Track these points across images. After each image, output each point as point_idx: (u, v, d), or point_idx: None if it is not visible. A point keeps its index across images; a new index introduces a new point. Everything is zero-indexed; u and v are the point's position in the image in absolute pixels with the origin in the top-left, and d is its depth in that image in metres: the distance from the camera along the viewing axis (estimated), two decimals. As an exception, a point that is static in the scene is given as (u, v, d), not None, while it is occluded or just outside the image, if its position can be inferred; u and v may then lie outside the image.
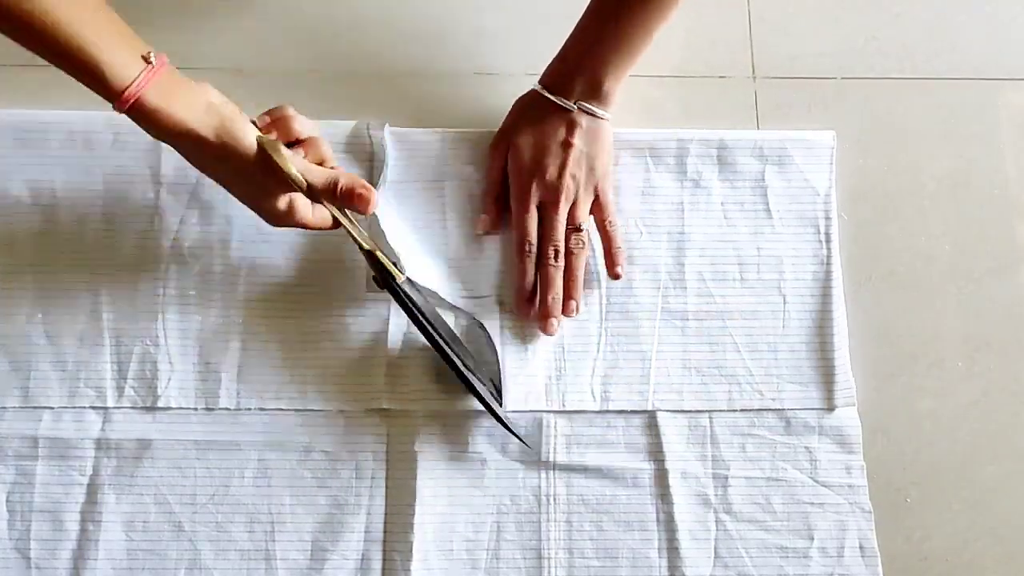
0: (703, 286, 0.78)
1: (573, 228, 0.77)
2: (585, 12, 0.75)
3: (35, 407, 0.73)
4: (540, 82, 0.77)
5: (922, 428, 0.77)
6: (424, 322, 0.71)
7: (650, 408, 0.76)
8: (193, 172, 0.77)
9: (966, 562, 0.75)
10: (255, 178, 0.67)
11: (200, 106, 0.65)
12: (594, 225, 0.78)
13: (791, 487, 0.75)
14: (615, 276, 0.78)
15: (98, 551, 0.70)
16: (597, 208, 0.78)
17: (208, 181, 0.78)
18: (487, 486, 0.73)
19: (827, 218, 0.81)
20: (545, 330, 0.76)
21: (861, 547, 0.74)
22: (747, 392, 0.76)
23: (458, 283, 0.78)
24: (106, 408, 0.73)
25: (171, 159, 0.78)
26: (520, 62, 0.83)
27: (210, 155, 0.66)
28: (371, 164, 0.80)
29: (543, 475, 0.74)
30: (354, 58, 0.83)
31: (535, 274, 0.76)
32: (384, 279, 0.71)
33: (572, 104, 0.76)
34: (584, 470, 0.74)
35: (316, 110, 0.80)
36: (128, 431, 0.73)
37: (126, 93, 0.61)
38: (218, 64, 0.82)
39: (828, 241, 0.80)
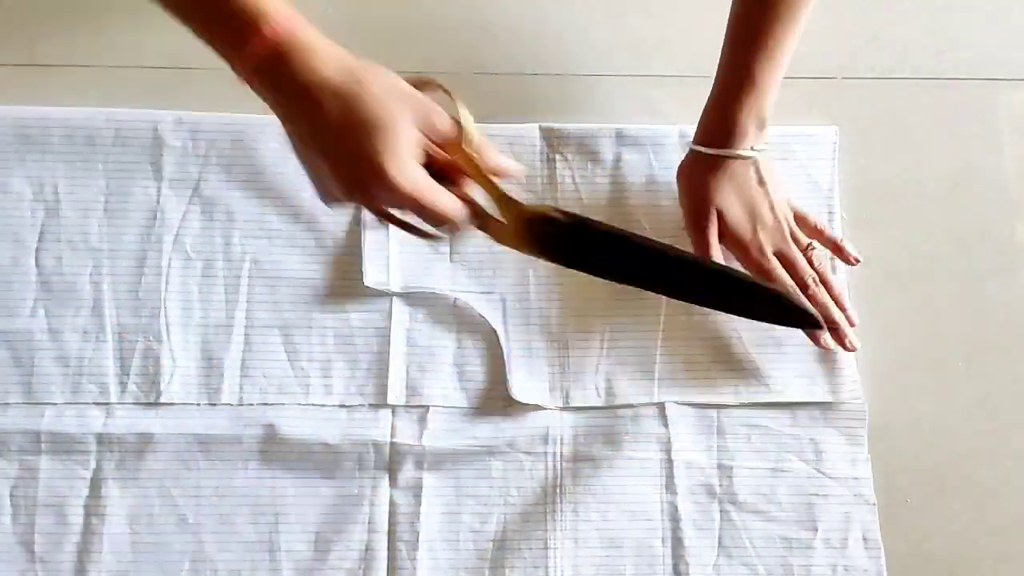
0: None
1: (806, 250, 0.77)
2: (724, 55, 0.73)
3: (38, 403, 0.73)
4: (701, 143, 0.76)
5: (922, 428, 0.77)
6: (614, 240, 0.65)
7: (656, 401, 0.76)
8: (195, 168, 0.78)
9: (966, 562, 0.75)
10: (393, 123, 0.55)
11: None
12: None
13: (796, 478, 0.75)
14: (855, 262, 0.78)
15: (102, 545, 0.70)
16: (799, 220, 0.78)
17: (211, 177, 0.78)
18: (494, 477, 0.73)
19: (830, 212, 0.81)
20: (851, 348, 0.76)
21: (865, 539, 0.74)
22: (753, 386, 0.77)
23: (463, 278, 0.78)
24: (108, 404, 0.73)
25: (173, 155, 0.78)
26: (520, 62, 0.83)
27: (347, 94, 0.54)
28: None
29: (550, 466, 0.74)
30: (354, 57, 0.84)
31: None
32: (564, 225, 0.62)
33: (751, 152, 0.75)
34: (591, 460, 0.74)
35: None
36: (131, 426, 0.72)
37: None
38: (218, 64, 0.82)
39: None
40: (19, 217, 0.76)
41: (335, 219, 0.78)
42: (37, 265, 0.75)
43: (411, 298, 0.77)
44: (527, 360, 0.76)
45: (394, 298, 0.76)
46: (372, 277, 0.76)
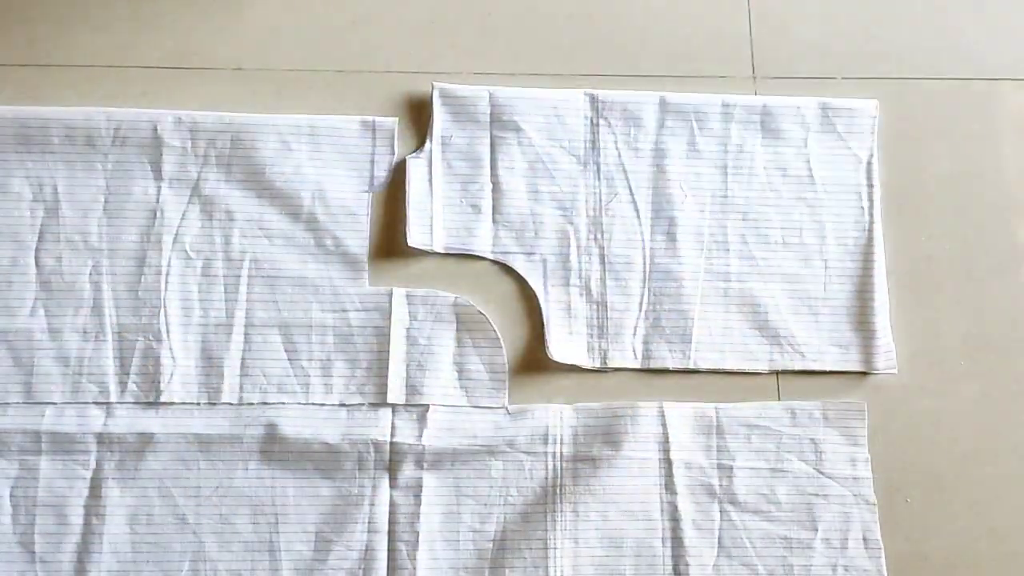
0: (745, 248, 0.80)
1: None
2: None
3: (38, 403, 0.73)
4: None
5: (922, 428, 0.77)
6: None
7: (692, 366, 0.77)
8: (194, 167, 0.78)
9: (966, 562, 0.75)
10: None
11: None
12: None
13: (796, 478, 0.75)
14: None
15: (102, 544, 0.70)
16: None
17: (210, 177, 0.78)
18: (493, 477, 0.73)
19: (869, 186, 0.82)
20: None
21: (865, 539, 0.74)
22: (788, 353, 0.77)
23: (505, 239, 0.79)
24: (108, 403, 0.73)
25: (172, 155, 0.78)
26: (519, 62, 0.83)
27: None
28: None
29: (550, 466, 0.74)
30: (354, 57, 0.83)
31: None
32: None
33: None
34: (591, 460, 0.74)
35: (316, 108, 0.81)
36: (130, 426, 0.73)
37: None
38: (218, 63, 0.83)
39: (871, 208, 0.81)
40: (19, 217, 0.76)
41: (335, 219, 0.78)
42: (37, 265, 0.75)
43: (411, 297, 0.77)
44: (566, 320, 0.77)
45: (394, 297, 0.76)
46: (416, 238, 0.77)
